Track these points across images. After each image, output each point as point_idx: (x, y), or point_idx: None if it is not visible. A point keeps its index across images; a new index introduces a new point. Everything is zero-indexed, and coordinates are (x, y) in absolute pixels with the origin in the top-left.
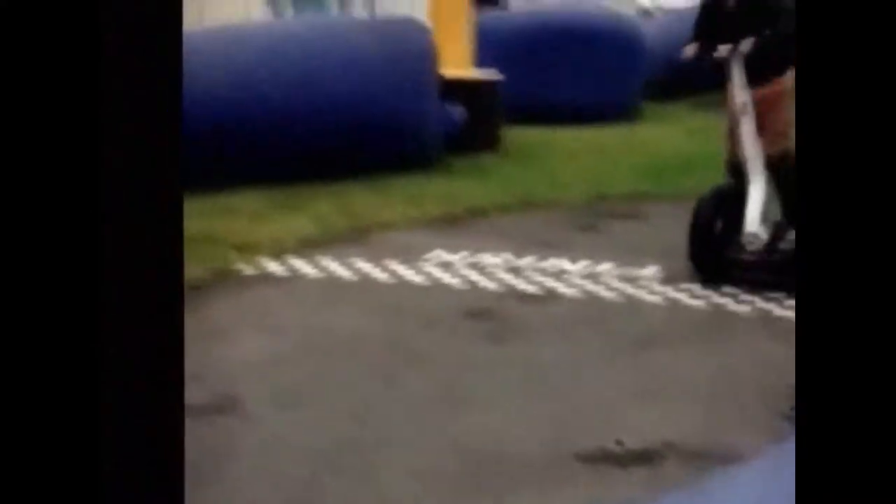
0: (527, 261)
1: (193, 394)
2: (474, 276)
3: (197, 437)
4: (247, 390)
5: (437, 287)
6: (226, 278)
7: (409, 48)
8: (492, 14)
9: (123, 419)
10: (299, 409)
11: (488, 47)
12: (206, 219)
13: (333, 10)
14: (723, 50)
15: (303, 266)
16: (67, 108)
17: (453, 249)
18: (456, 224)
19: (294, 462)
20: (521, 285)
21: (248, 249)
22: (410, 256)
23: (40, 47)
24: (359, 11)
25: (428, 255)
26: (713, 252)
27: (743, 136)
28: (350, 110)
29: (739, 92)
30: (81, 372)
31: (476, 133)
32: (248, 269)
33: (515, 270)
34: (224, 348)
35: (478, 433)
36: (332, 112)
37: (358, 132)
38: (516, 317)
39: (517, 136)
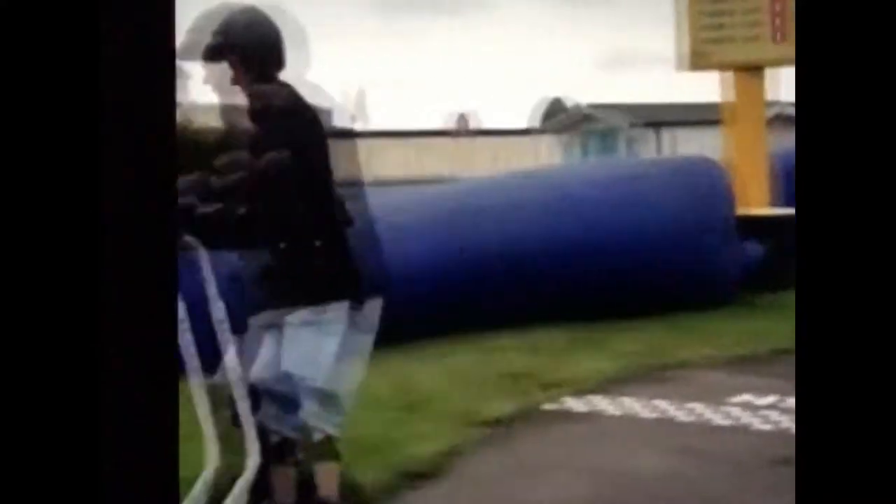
0: None
1: None
2: (785, 421)
3: None
4: None
5: (744, 431)
6: (530, 415)
7: (702, 187)
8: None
9: (121, 421)
10: None
11: (789, 183)
12: (511, 356)
13: (622, 152)
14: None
15: (604, 404)
16: (67, 113)
17: (760, 392)
18: (760, 364)
19: None
20: None
21: (551, 387)
22: (713, 397)
23: (40, 53)
24: (648, 152)
25: (732, 398)
26: None
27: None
28: (642, 248)
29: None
30: (80, 374)
31: (777, 270)
32: (551, 406)
33: None
34: (532, 487)
35: None
36: (624, 251)
37: (650, 270)
38: None
39: None
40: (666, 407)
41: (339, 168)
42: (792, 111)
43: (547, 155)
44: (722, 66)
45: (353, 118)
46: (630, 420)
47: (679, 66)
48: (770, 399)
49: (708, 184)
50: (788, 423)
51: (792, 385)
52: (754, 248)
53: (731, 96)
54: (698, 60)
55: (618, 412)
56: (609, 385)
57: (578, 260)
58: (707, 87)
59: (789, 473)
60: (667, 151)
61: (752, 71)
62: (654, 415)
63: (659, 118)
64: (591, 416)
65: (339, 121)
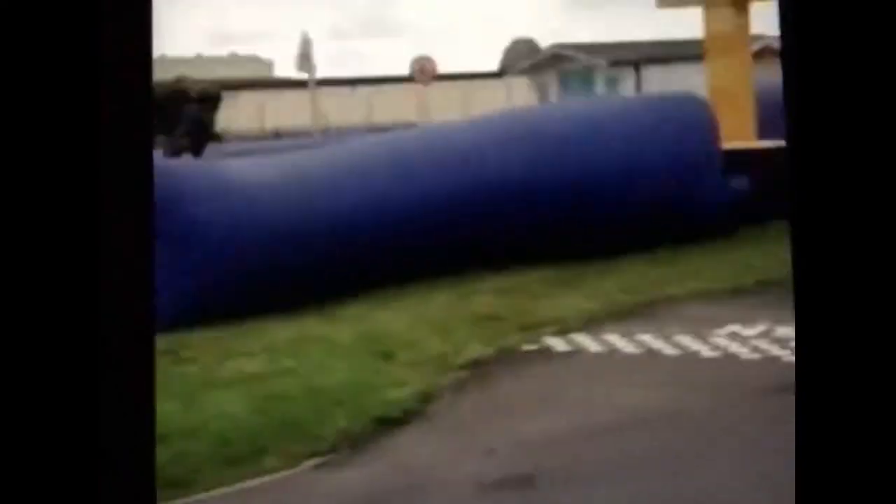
0: None
1: (489, 469)
2: (775, 349)
3: None
4: (540, 466)
5: (732, 361)
6: (511, 356)
7: (686, 123)
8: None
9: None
10: (596, 487)
11: (775, 116)
12: (490, 298)
13: (600, 91)
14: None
15: (587, 342)
16: (65, 114)
17: (747, 322)
18: (747, 295)
19: None
20: None
21: (531, 327)
22: (700, 330)
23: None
24: (627, 91)
25: (719, 329)
26: None
27: None
28: (627, 186)
29: None
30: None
31: (763, 203)
32: (532, 346)
33: None
34: (514, 424)
35: None
36: (607, 188)
37: (636, 207)
38: None
39: None
40: (651, 342)
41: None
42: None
43: (519, 97)
44: (704, 2)
45: (300, 67)
46: (614, 356)
47: (661, 3)
48: (758, 329)
49: (691, 120)
50: (777, 351)
51: (779, 313)
52: (739, 182)
53: (712, 31)
54: None
55: (602, 349)
56: (592, 323)
57: (561, 199)
58: (676, 24)
59: (777, 400)
60: (647, 89)
61: (736, 5)
62: (639, 350)
63: (636, 56)
64: (574, 355)
65: (285, 71)
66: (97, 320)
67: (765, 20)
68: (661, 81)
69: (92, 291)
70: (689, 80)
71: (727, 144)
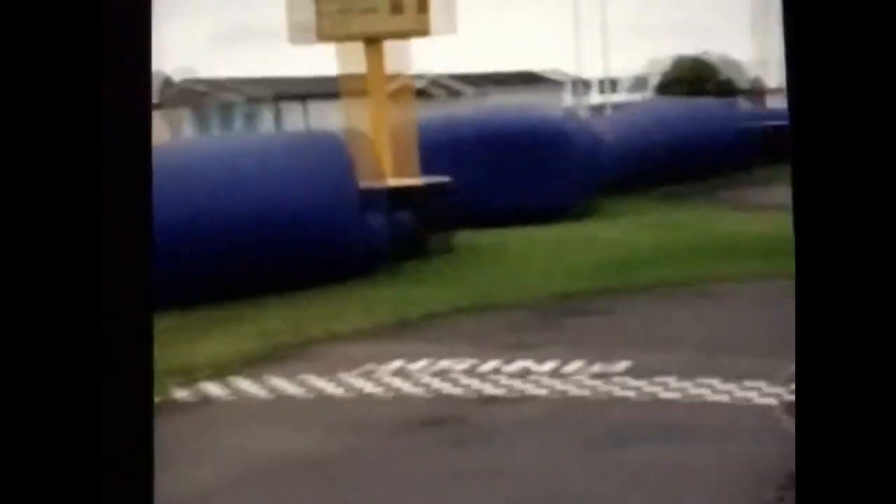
0: (491, 364)
1: None
2: (436, 383)
3: None
4: None
5: (397, 398)
6: (161, 404)
7: (323, 162)
8: (434, 120)
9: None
10: None
11: (436, 153)
12: None
13: (267, 125)
14: None
15: (247, 385)
16: (65, 114)
17: (411, 357)
18: (412, 330)
19: None
20: (488, 389)
21: (185, 372)
22: (365, 368)
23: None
24: (294, 126)
25: (384, 365)
26: None
27: None
28: (267, 225)
29: None
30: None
31: (426, 238)
32: (185, 394)
33: (480, 375)
34: (164, 479)
35: None
36: (249, 228)
37: (279, 246)
38: (484, 422)
39: (470, 238)
40: (315, 382)
41: None
42: (443, 81)
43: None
44: (351, 37)
45: None
46: (277, 399)
47: (293, 39)
48: (422, 363)
49: (327, 159)
50: (439, 384)
51: (442, 347)
52: (401, 218)
53: (346, 69)
54: (327, 31)
55: (263, 392)
56: (252, 365)
57: (203, 238)
58: (322, 60)
59: (437, 432)
60: (288, 126)
61: (368, 43)
62: (303, 391)
63: (274, 92)
64: (232, 400)
65: None
66: (96, 319)
67: (401, 59)
68: (302, 118)
69: (91, 291)
70: (328, 117)
71: (390, 181)
